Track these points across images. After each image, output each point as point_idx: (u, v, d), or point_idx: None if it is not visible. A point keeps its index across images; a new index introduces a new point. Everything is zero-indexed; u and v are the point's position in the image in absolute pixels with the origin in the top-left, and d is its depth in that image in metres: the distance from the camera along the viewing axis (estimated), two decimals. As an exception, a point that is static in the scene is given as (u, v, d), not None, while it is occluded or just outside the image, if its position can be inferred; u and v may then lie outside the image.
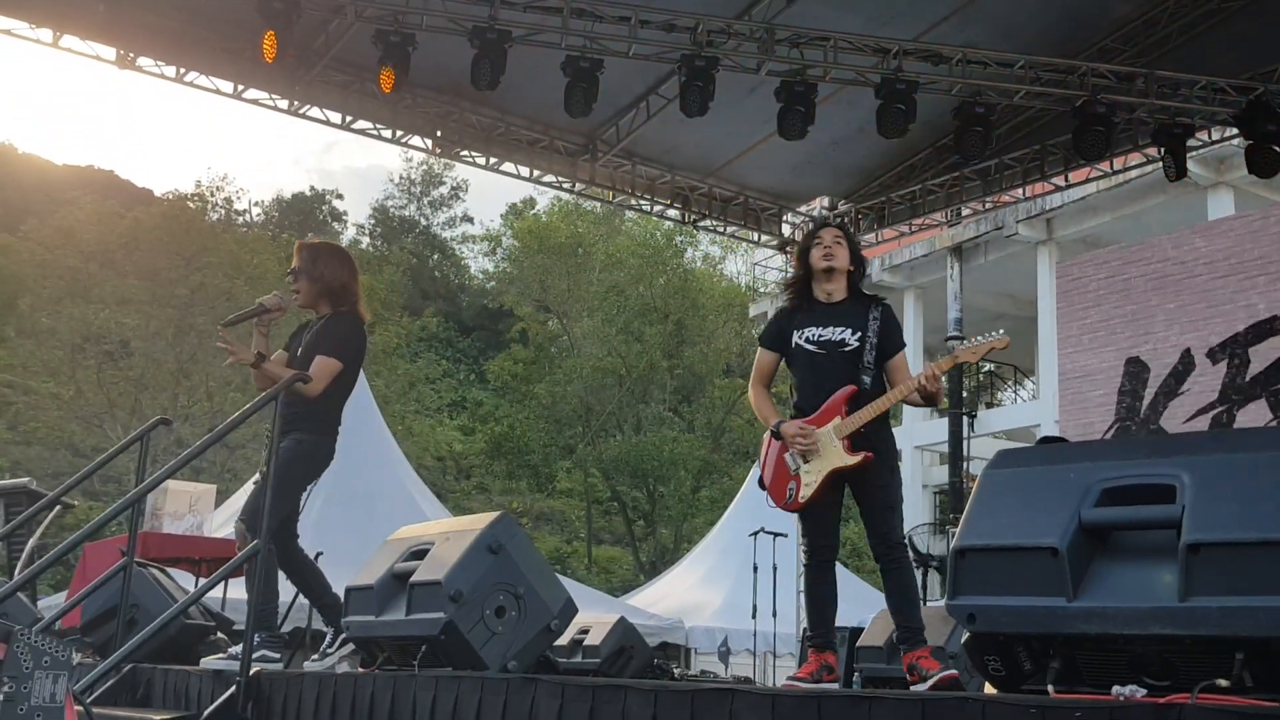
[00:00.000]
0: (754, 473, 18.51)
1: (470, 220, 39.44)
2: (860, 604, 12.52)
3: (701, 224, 13.02)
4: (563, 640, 8.37)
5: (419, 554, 4.39)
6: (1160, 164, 10.52)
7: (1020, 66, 9.64)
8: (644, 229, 30.04)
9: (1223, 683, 2.14)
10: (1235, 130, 9.96)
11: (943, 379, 4.66)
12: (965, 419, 19.85)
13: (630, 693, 3.24)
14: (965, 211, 13.95)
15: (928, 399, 4.65)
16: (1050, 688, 2.39)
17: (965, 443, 18.86)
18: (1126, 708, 2.11)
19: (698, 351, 29.27)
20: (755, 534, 12.22)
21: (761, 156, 11.81)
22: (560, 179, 12.09)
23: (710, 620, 14.66)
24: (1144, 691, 2.24)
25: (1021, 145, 11.52)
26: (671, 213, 12.70)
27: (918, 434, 20.89)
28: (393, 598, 4.40)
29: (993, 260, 19.72)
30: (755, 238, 13.63)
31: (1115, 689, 2.25)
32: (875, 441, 4.62)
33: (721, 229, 13.28)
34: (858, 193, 12.89)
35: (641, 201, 12.40)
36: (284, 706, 4.71)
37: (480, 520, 4.29)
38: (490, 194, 70.76)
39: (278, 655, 5.22)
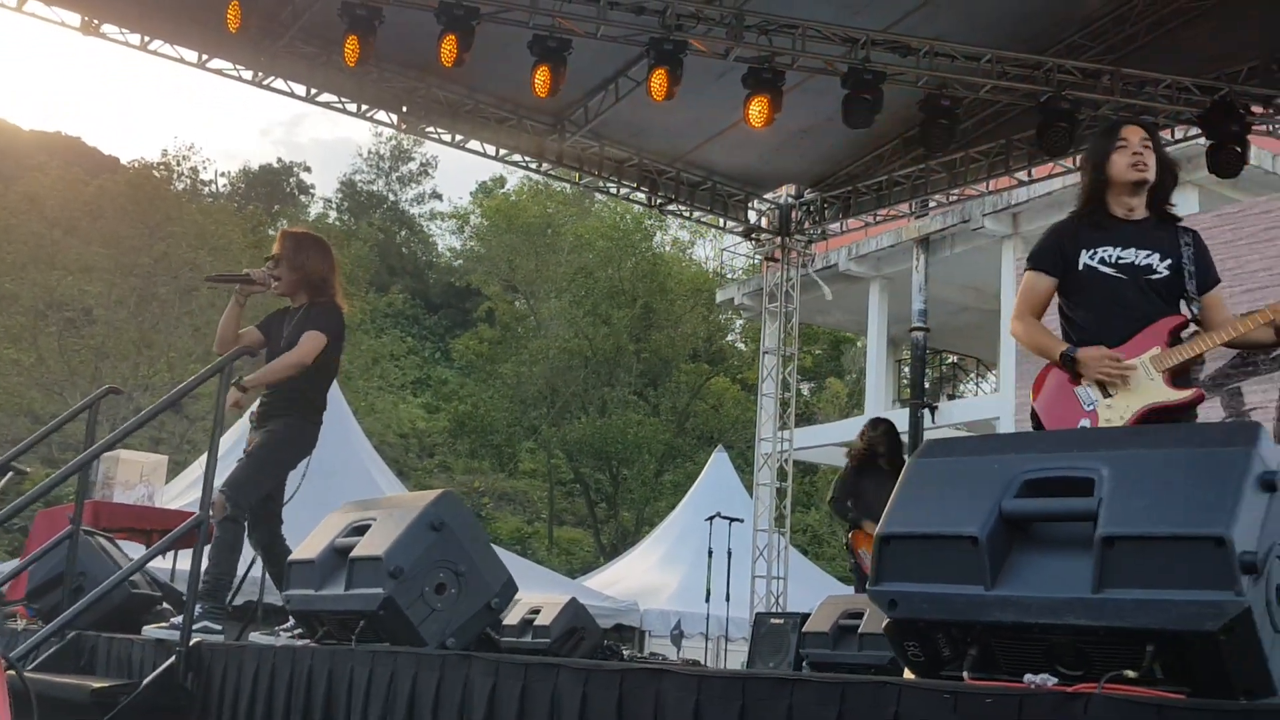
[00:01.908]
0: (717, 454, 18.68)
1: (439, 197, 39.30)
2: (815, 589, 12.64)
3: (668, 208, 13.03)
4: (513, 620, 8.40)
5: (360, 529, 4.40)
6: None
7: (987, 60, 9.69)
8: (613, 211, 30.04)
9: (1130, 674, 2.18)
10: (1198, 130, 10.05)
11: None
12: (927, 410, 19.99)
13: (562, 671, 3.26)
14: (932, 204, 14.03)
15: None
16: (966, 674, 2.42)
17: (926, 434, 19.00)
18: (1036, 696, 2.15)
19: (665, 335, 29.33)
20: (711, 518, 12.27)
21: (730, 142, 11.82)
22: (527, 158, 12.07)
23: (665, 603, 14.73)
24: (1055, 680, 2.27)
25: (987, 139, 11.58)
26: (639, 195, 12.71)
27: (879, 425, 20.97)
28: (333, 572, 4.40)
29: (958, 253, 19.82)
30: (722, 223, 13.67)
31: (1027, 677, 2.28)
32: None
33: (688, 213, 13.30)
34: (825, 181, 12.93)
35: (609, 183, 12.40)
36: (224, 677, 4.71)
37: (423, 497, 4.30)
38: (460, 171, 70.51)
39: (219, 627, 5.23)
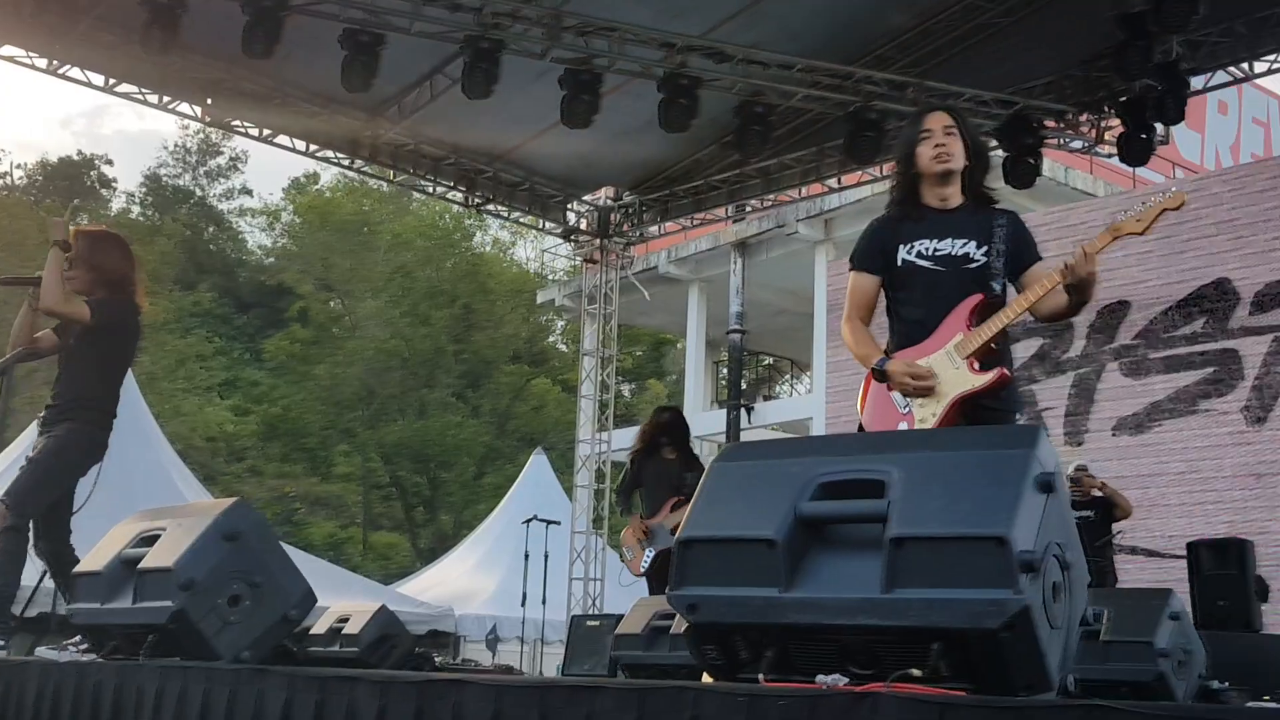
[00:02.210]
0: (536, 456, 18.59)
1: (250, 193, 37.91)
2: (633, 591, 12.68)
3: (486, 208, 12.90)
4: (321, 629, 8.15)
5: (150, 539, 4.19)
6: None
7: (799, 69, 9.90)
8: (432, 210, 29.64)
9: (916, 672, 2.23)
10: (995, 142, 10.47)
11: (1096, 261, 3.64)
12: (743, 411, 20.36)
13: (360, 684, 3.17)
14: (748, 208, 14.27)
15: (1077, 288, 3.65)
16: (762, 676, 2.44)
17: (742, 434, 19.34)
18: (827, 696, 2.17)
19: (486, 336, 29.08)
20: (528, 521, 12.20)
21: (549, 143, 11.77)
22: (339, 154, 11.77)
23: (481, 608, 14.59)
24: (847, 680, 2.30)
25: (801, 146, 11.84)
26: (455, 195, 12.54)
27: (696, 425, 21.24)
28: (121, 584, 4.18)
29: (775, 257, 20.22)
30: (541, 224, 13.62)
31: (819, 678, 2.31)
32: (1007, 365, 3.74)
33: (507, 214, 13.20)
34: (643, 184, 13.01)
35: (425, 181, 12.20)
36: (5, 695, 4.44)
37: (216, 506, 4.12)
38: (272, 167, 68.42)
39: (3, 641, 4.95)
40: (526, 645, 13.65)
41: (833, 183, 12.39)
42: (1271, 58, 9.69)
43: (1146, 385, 10.23)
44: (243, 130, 11.10)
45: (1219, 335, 9.93)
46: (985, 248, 3.77)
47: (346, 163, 12.03)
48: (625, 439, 22.08)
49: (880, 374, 3.74)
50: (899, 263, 3.83)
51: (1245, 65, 9.90)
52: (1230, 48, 9.68)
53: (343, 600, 9.25)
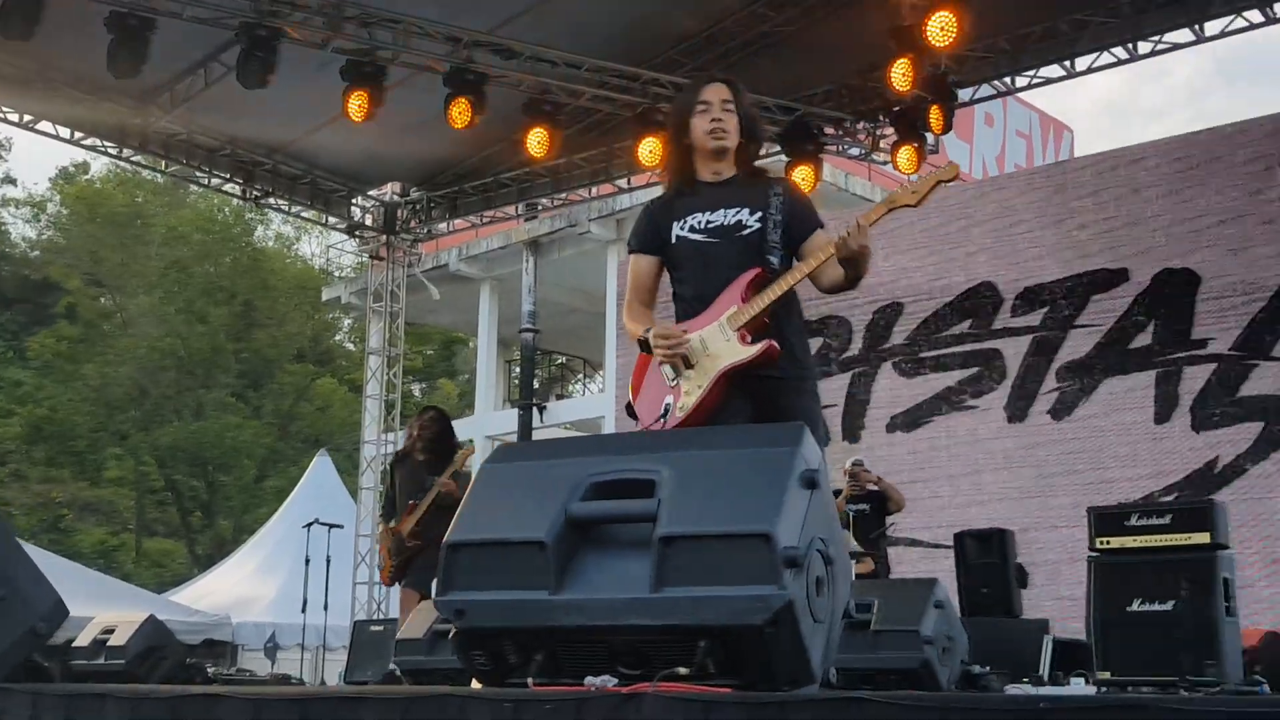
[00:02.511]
0: (319, 458, 18.10)
1: (13, 182, 35.55)
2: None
3: (265, 201, 12.47)
4: (84, 641, 7.72)
5: (-123, 553, 3.85)
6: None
7: (588, 69, 9.92)
8: (210, 203, 28.48)
9: (683, 670, 2.23)
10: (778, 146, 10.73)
11: (868, 234, 3.53)
12: (535, 410, 20.30)
13: (109, 700, 2.98)
14: (540, 207, 14.23)
15: (850, 262, 3.53)
16: (531, 680, 2.40)
17: (535, 434, 19.28)
18: (594, 698, 2.15)
19: (267, 335, 28.12)
20: (309, 525, 11.85)
21: (332, 136, 11.44)
22: (107, 144, 11.18)
23: (260, 615, 14.10)
24: (616, 681, 2.29)
25: (591, 146, 11.87)
26: (232, 187, 12.08)
27: (488, 424, 21.12)
28: None
29: (567, 256, 20.24)
30: (324, 219, 13.25)
31: (588, 680, 2.28)
32: (786, 337, 3.62)
33: (287, 208, 12.79)
34: (431, 180, 12.82)
35: (200, 173, 11.70)
36: None
37: (-48, 514, 3.83)
38: (38, 155, 64.54)
39: None
40: (308, 653, 13.25)
41: (623, 183, 12.47)
42: (1032, 72, 10.24)
43: (918, 384, 10.67)
44: (1, 115, 10.42)
45: (983, 336, 10.44)
46: (759, 214, 3.68)
47: (115, 152, 11.44)
48: (414, 439, 21.78)
49: (644, 343, 3.66)
50: (673, 240, 3.76)
51: (1008, 79, 10.43)
52: (994, 63, 10.19)
53: (112, 610, 8.81)
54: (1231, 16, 9.18)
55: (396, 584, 7.86)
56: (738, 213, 3.69)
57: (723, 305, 3.61)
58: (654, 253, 3.83)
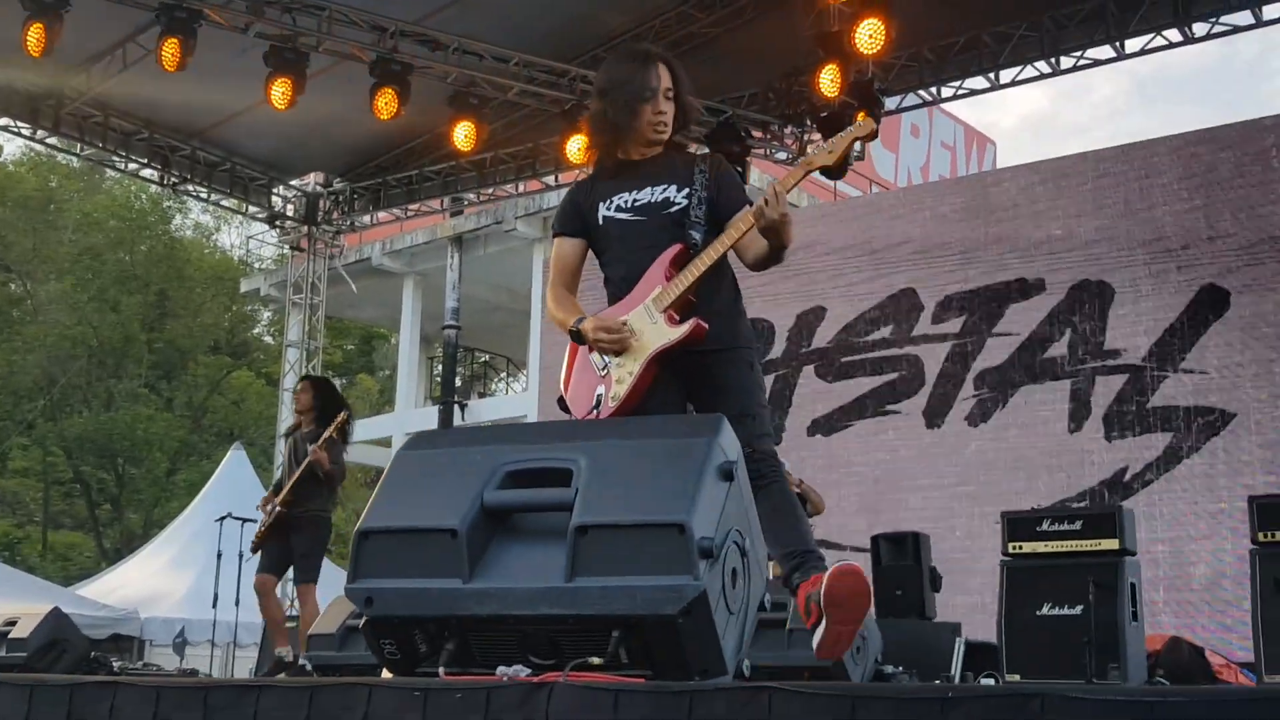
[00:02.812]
0: (234, 451, 17.76)
1: (-80, 165, 34.65)
2: (336, 590, 12.30)
3: (183, 188, 12.22)
4: (-17, 634, 7.51)
5: None
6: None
7: (515, 63, 9.87)
8: (126, 189, 27.84)
9: (595, 660, 2.20)
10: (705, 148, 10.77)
11: (786, 202, 3.38)
12: (457, 408, 20.15)
13: (4, 689, 2.88)
14: (466, 202, 14.12)
15: (772, 232, 3.39)
16: (442, 670, 2.36)
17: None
18: (503, 688, 2.11)
19: (182, 325, 27.54)
20: (222, 520, 11.61)
21: (253, 123, 11.28)
22: (19, 124, 10.88)
23: (169, 610, 13.80)
24: (528, 671, 2.25)
25: (517, 141, 11.81)
26: (149, 173, 11.82)
27: (409, 421, 20.93)
28: None
29: (492, 253, 20.15)
30: (244, 208, 13.03)
31: (500, 669, 2.25)
32: (715, 311, 3.49)
33: (206, 195, 12.55)
34: (354, 171, 12.67)
35: (115, 157, 11.44)
36: None
37: None
38: (-47, 135, 62.66)
39: None
40: (218, 649, 13.00)
41: (549, 180, 12.43)
42: (957, 83, 10.39)
43: (839, 388, 10.75)
44: (-96, 93, 10.11)
45: (904, 342, 10.55)
46: (685, 189, 3.57)
47: (28, 133, 11.13)
48: (331, 434, 21.50)
49: (576, 334, 3.55)
50: (600, 221, 3.64)
51: (934, 89, 10.57)
52: (919, 72, 10.32)
53: (15, 604, 8.57)
54: (1151, 35, 9.40)
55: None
56: (665, 189, 3.58)
57: (646, 287, 3.51)
58: (579, 235, 3.71)
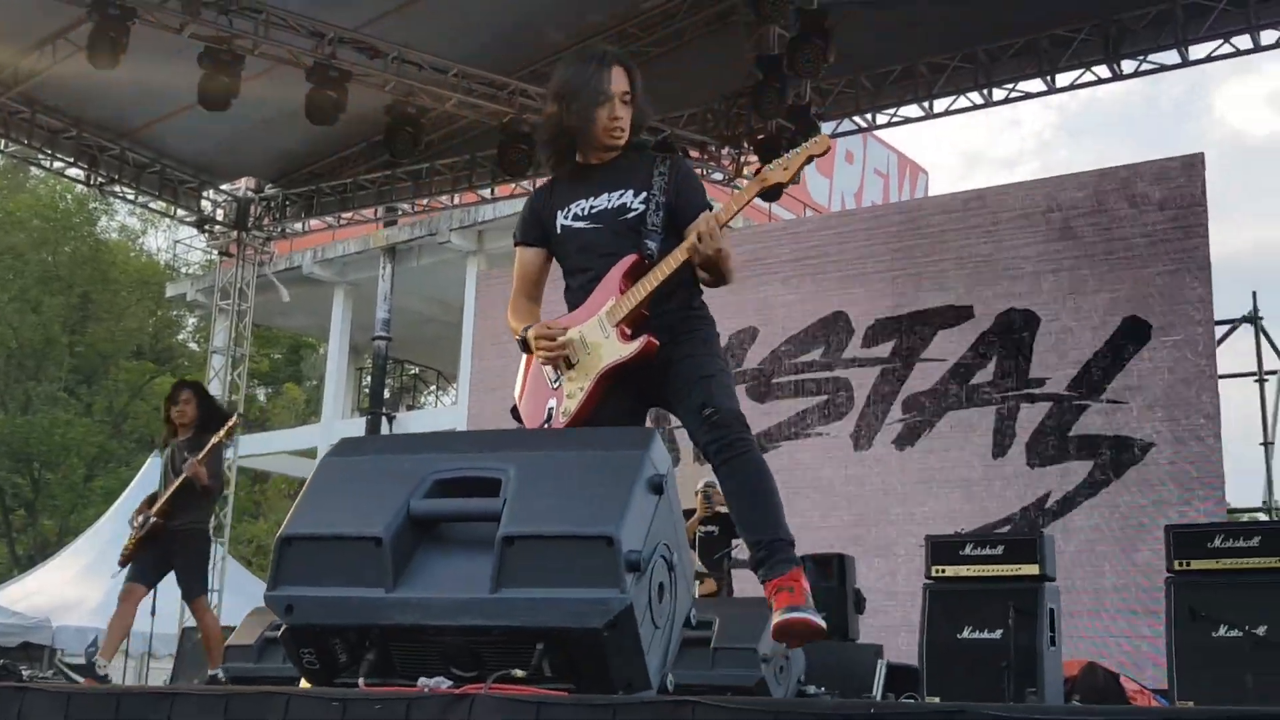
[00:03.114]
0: (153, 459, 17.38)
1: None
2: (256, 602, 12.07)
3: (110, 189, 11.98)
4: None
5: None
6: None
7: (454, 74, 9.82)
8: (52, 189, 27.26)
9: (519, 673, 2.18)
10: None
11: (724, 235, 3.32)
12: (385, 420, 19.95)
13: (-97, 696, 2.78)
14: (400, 212, 14.00)
15: (710, 266, 3.33)
16: (362, 680, 2.32)
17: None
18: (424, 699, 2.08)
19: (105, 329, 26.99)
20: (140, 526, 11.37)
21: (185, 125, 11.10)
22: (-60, 118, 10.62)
23: (83, 619, 13.47)
24: (450, 683, 2.22)
25: (454, 153, 11.75)
26: (75, 172, 11.59)
27: (335, 432, 20.66)
28: None
29: (425, 265, 20.02)
30: (172, 211, 12.80)
31: (421, 681, 2.22)
32: (672, 322, 3.39)
33: (134, 197, 12.32)
34: (287, 176, 12.52)
35: (41, 155, 11.20)
36: None
37: None
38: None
39: None
40: (133, 659, 12.70)
41: (485, 193, 12.37)
42: (892, 111, 10.53)
43: (769, 408, 10.81)
44: None
45: (834, 365, 10.63)
46: (643, 194, 3.44)
47: (-51, 128, 10.87)
48: (257, 445, 21.21)
49: (523, 343, 3.47)
50: (558, 230, 3.53)
51: (869, 116, 10.70)
52: (854, 98, 10.44)
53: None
54: (1081, 70, 9.60)
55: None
56: (621, 195, 3.46)
57: (601, 297, 3.41)
58: (539, 244, 3.61)
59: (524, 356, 3.56)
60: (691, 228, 3.36)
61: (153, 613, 10.91)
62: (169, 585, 11.47)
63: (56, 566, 16.03)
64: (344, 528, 2.39)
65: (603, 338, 3.35)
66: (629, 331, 3.34)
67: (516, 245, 3.68)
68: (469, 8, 9.80)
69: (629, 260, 3.39)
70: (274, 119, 10.89)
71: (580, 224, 3.49)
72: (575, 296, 3.51)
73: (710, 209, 3.46)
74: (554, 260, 3.64)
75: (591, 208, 3.48)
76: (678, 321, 3.39)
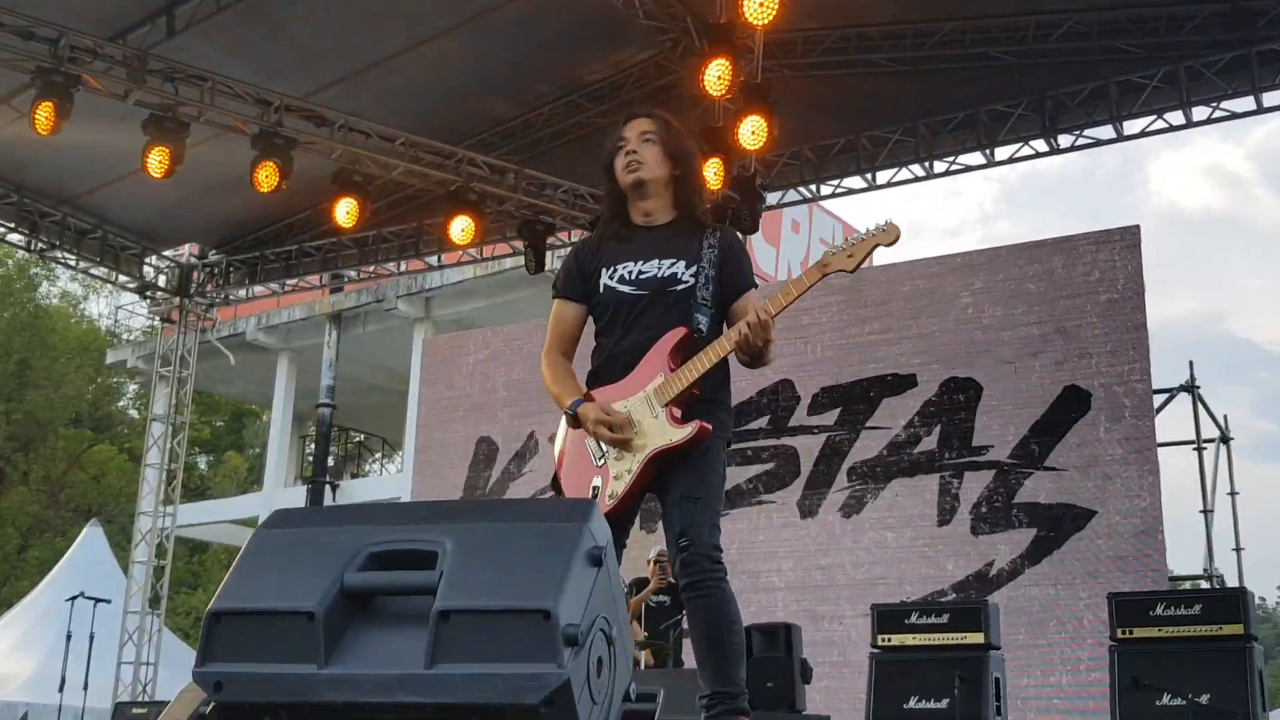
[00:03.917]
0: (90, 529, 17.03)
1: None
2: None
3: (51, 254, 11.85)
4: None
5: None
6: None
7: (401, 143, 9.85)
8: (-9, 253, 26.92)
9: (451, 751, 2.13)
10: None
11: (771, 328, 3.28)
12: (328, 488, 19.69)
13: None
14: (345, 279, 13.94)
15: (754, 356, 3.32)
16: (292, 761, 2.25)
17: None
18: (355, 780, 2.03)
19: (43, 396, 26.51)
20: (74, 599, 11.10)
21: (127, 191, 11.04)
22: (-121, 181, 10.48)
23: (14, 694, 13.08)
24: (382, 762, 2.17)
25: (400, 220, 11.75)
26: (15, 238, 11.45)
27: (277, 501, 20.37)
28: None
29: (371, 332, 19.89)
30: (114, 278, 12.67)
31: (352, 761, 2.16)
32: (713, 414, 3.34)
33: (74, 263, 12.18)
34: (231, 243, 12.45)
35: (-22, 220, 11.07)
36: None
37: None
38: None
39: None
40: (62, 736, 12.32)
41: (432, 260, 12.36)
42: (836, 182, 10.68)
43: (715, 476, 10.80)
44: None
45: (780, 433, 10.67)
46: (694, 268, 3.38)
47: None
48: (196, 514, 20.84)
49: (573, 418, 3.37)
50: (600, 288, 3.44)
51: (813, 187, 10.85)
52: (800, 170, 10.59)
53: None
54: (1019, 144, 9.81)
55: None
56: (673, 265, 3.40)
57: (648, 371, 3.35)
58: (579, 300, 3.51)
59: (562, 421, 3.45)
60: (739, 309, 3.37)
61: (84, 687, 10.67)
62: (102, 659, 11.21)
63: (-14, 640, 15.58)
64: (275, 602, 2.34)
65: (651, 417, 3.30)
66: (678, 414, 3.29)
67: (555, 298, 3.58)
68: (416, 77, 9.85)
69: (678, 334, 3.34)
70: (218, 185, 10.86)
71: (625, 287, 3.41)
72: (611, 363, 3.43)
73: (755, 286, 3.47)
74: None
75: (640, 273, 3.41)
76: (702, 414, 3.32)
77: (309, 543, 2.47)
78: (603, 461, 3.33)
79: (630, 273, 3.42)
